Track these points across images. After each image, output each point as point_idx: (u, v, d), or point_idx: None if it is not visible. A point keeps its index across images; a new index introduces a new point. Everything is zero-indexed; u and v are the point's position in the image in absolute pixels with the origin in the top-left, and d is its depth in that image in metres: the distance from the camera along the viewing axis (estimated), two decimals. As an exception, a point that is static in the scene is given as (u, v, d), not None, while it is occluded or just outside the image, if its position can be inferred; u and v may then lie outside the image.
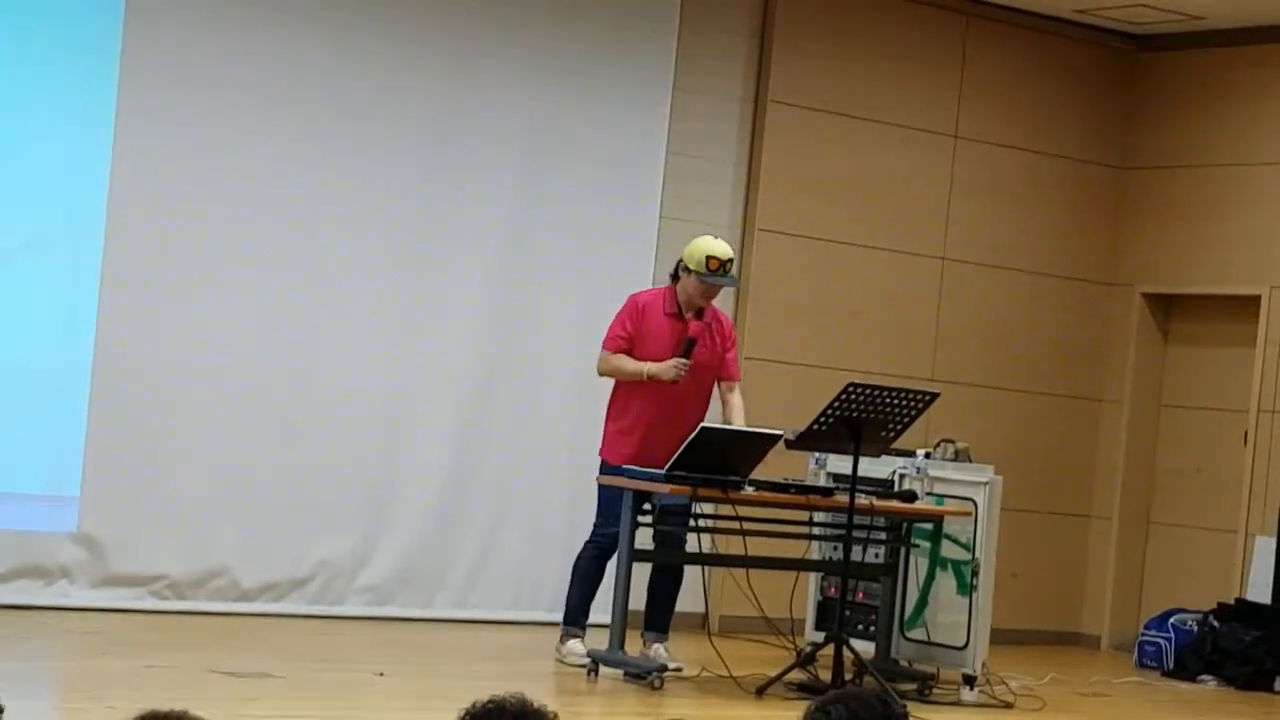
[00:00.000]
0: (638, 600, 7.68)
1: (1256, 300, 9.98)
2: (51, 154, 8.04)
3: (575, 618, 7.66)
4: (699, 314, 7.61)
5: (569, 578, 7.92)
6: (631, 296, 7.69)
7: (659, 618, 7.80)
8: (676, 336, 7.54)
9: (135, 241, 8.18)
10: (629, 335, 7.55)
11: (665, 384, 7.49)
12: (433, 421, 8.88)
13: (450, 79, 8.83)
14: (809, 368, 9.73)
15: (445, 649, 8.29)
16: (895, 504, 7.77)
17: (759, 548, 7.73)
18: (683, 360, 7.47)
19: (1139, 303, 10.51)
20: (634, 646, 7.65)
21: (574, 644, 7.66)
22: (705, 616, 9.60)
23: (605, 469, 7.64)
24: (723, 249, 7.57)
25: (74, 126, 8.05)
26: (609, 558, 7.54)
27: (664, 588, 7.79)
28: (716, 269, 7.50)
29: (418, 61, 8.76)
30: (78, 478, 8.14)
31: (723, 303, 8.25)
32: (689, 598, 9.53)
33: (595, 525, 7.61)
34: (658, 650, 7.71)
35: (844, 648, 7.32)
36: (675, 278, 7.62)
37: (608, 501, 7.55)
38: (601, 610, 7.76)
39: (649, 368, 7.48)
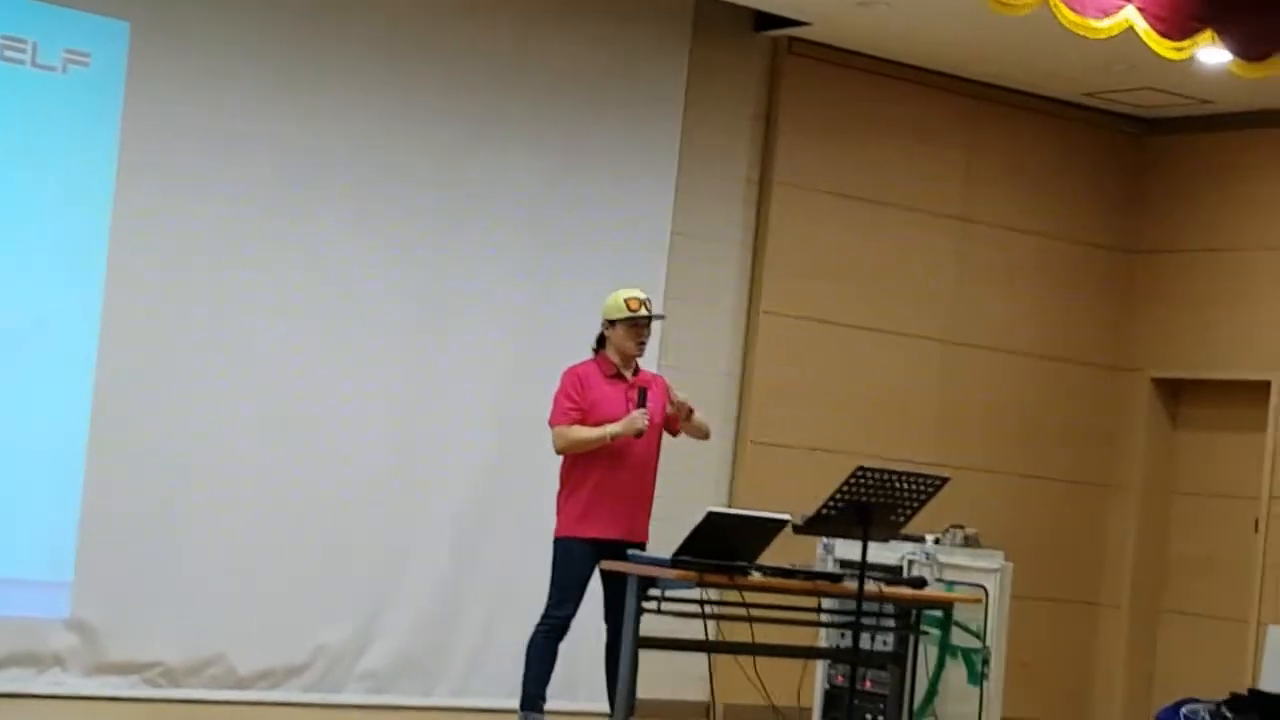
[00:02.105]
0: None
1: (1266, 386, 9.92)
2: (50, 238, 7.93)
3: (533, 702, 7.43)
4: (635, 372, 7.52)
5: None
6: (567, 370, 7.52)
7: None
8: (623, 396, 7.43)
9: (131, 325, 8.07)
10: (578, 405, 7.41)
11: (626, 445, 7.35)
12: (433, 510, 8.73)
13: (458, 160, 8.75)
14: (813, 451, 9.62)
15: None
16: (904, 591, 7.59)
17: (766, 635, 7.56)
18: (642, 410, 7.34)
19: (1148, 388, 10.47)
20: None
21: None
22: (709, 706, 9.41)
23: (561, 545, 7.45)
24: (637, 290, 7.54)
25: (73, 211, 7.97)
26: (561, 639, 7.41)
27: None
28: (638, 308, 7.43)
29: (424, 138, 8.67)
30: (71, 562, 7.98)
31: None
32: (694, 684, 9.38)
33: (548, 605, 7.43)
34: None
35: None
36: (600, 343, 7.52)
37: (563, 582, 7.40)
38: (562, 694, 7.68)
39: (611, 429, 7.33)
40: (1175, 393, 10.50)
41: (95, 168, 8.01)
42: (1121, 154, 10.56)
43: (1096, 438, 10.49)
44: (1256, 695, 9.13)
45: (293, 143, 8.40)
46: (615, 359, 7.46)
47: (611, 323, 7.46)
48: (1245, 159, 10.15)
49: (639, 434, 7.34)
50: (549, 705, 7.47)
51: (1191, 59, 8.56)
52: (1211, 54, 8.33)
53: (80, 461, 7.96)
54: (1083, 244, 10.49)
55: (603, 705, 7.77)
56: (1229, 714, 9.07)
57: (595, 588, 7.46)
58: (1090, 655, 10.43)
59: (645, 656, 7.40)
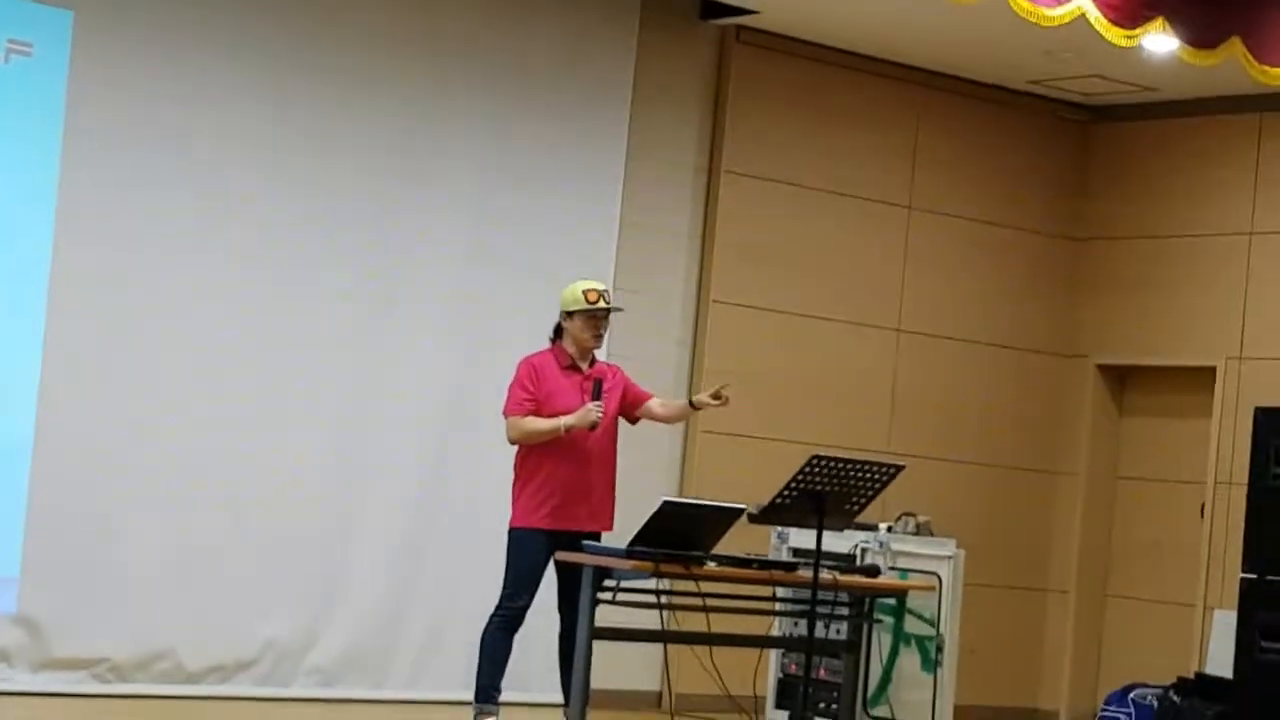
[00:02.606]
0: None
1: (1212, 372, 10.00)
2: (-6, 230, 7.84)
3: (488, 694, 7.39)
4: (591, 363, 7.50)
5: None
6: (523, 360, 7.47)
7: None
8: (578, 388, 7.40)
9: (77, 317, 7.98)
10: (533, 396, 7.36)
11: (581, 436, 7.32)
12: (382, 500, 8.66)
13: (404, 146, 8.69)
14: (763, 440, 9.62)
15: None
16: (859, 579, 7.57)
17: (720, 624, 7.51)
18: (597, 402, 7.31)
19: (1093, 375, 10.54)
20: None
21: None
22: (662, 695, 9.40)
23: (516, 535, 7.40)
24: (596, 282, 7.56)
25: (17, 204, 7.88)
26: (516, 630, 7.38)
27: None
28: (596, 300, 7.41)
29: (370, 125, 8.61)
30: (17, 557, 7.88)
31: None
32: (646, 675, 9.35)
33: (502, 597, 7.39)
34: None
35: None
36: (558, 333, 7.48)
37: (518, 573, 7.36)
38: (515, 686, 7.65)
39: (565, 420, 7.30)
40: (1121, 379, 10.57)
41: (39, 158, 7.90)
42: (1066, 141, 10.62)
43: (1043, 424, 10.55)
44: (1203, 679, 9.19)
45: (236, 132, 8.31)
46: (572, 350, 7.43)
47: (569, 314, 7.42)
48: (1190, 146, 10.22)
49: (593, 426, 7.30)
50: (502, 697, 7.42)
51: (1139, 46, 8.60)
52: (1159, 41, 8.36)
53: (27, 458, 7.87)
54: (1028, 231, 10.55)
55: (556, 697, 7.74)
56: (1176, 698, 9.13)
57: (550, 579, 7.42)
58: (1038, 641, 10.49)
59: (598, 647, 7.35)
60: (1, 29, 7.80)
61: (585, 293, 7.41)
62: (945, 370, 10.23)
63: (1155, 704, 9.24)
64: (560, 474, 7.35)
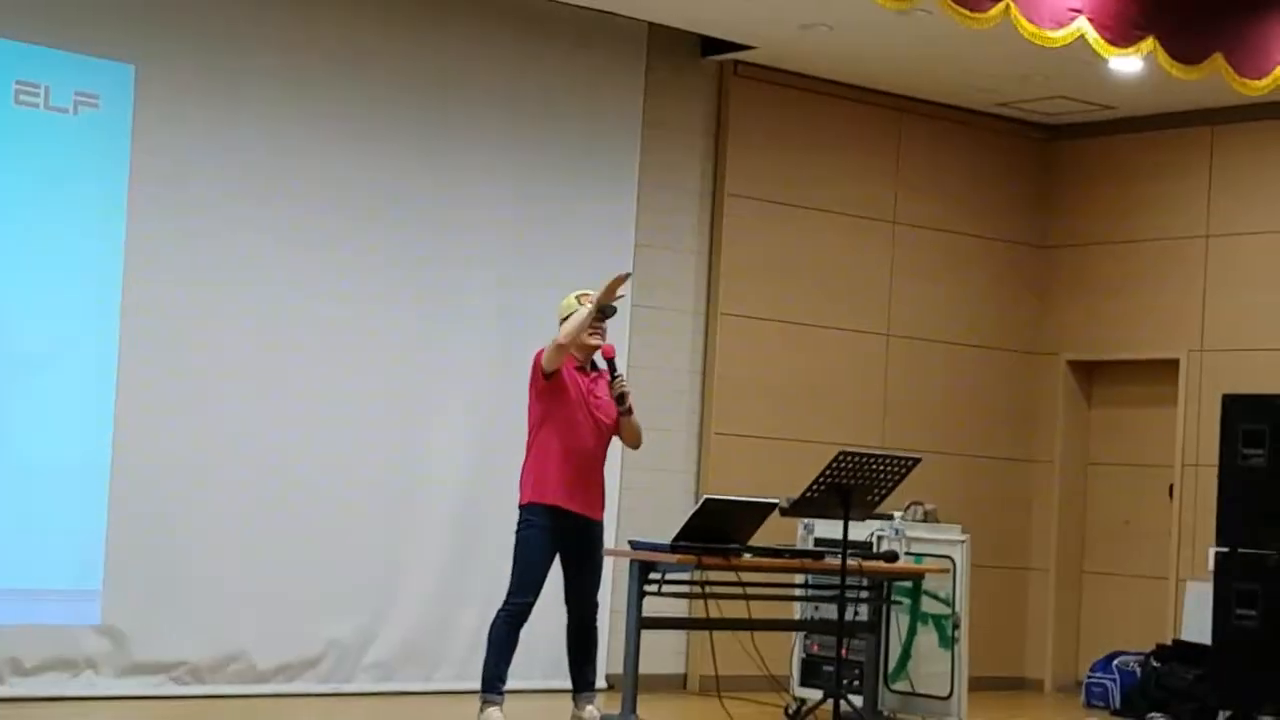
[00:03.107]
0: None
1: (1175, 364, 10.50)
2: (69, 268, 8.24)
3: (493, 685, 7.58)
4: (594, 364, 7.68)
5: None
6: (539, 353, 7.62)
7: (586, 677, 7.80)
8: (587, 385, 7.59)
9: (148, 345, 8.40)
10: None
11: (580, 438, 7.45)
12: (431, 509, 9.13)
13: (439, 181, 9.18)
14: (771, 440, 10.11)
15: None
16: (880, 564, 8.17)
17: (737, 611, 7.87)
18: (618, 276, 7.45)
19: (1064, 370, 11.04)
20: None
21: (492, 711, 7.63)
22: (686, 676, 9.93)
23: (523, 531, 7.50)
24: (587, 288, 7.66)
25: (89, 242, 8.28)
26: (522, 625, 7.58)
27: (585, 648, 7.78)
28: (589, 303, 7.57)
29: (411, 164, 9.10)
30: (100, 571, 8.29)
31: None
32: (671, 659, 9.88)
33: (510, 592, 7.56)
34: (590, 711, 7.77)
35: (842, 702, 7.68)
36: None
37: (524, 569, 7.51)
38: (518, 676, 7.96)
39: (590, 304, 7.42)
40: (1089, 373, 11.06)
41: (108, 201, 8.31)
42: (1030, 158, 11.14)
43: (1019, 417, 11.07)
44: (1181, 645, 9.75)
45: (289, 171, 8.77)
46: (578, 355, 7.62)
47: (567, 320, 7.58)
48: (1143, 159, 10.75)
49: (609, 305, 7.43)
50: (507, 686, 7.63)
51: (1106, 67, 9.15)
52: (1125, 62, 8.90)
53: (105, 480, 8.27)
54: (1001, 240, 11.06)
55: (556, 683, 8.14)
56: (1157, 664, 9.67)
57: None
58: (1020, 615, 10.99)
59: (620, 634, 7.71)
60: (69, 82, 8.19)
61: (579, 298, 7.62)
62: (930, 370, 10.74)
63: (1138, 670, 9.74)
64: (566, 454, 7.45)
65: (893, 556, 8.22)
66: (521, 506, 7.56)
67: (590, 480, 7.59)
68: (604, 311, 7.60)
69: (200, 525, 8.53)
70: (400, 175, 9.10)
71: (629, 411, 7.57)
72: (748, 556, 7.76)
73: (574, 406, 7.53)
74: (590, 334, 7.58)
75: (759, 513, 7.72)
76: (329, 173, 8.91)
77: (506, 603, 7.63)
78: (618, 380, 7.57)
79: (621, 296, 7.71)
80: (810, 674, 8.77)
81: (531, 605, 7.60)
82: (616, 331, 9.44)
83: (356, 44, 8.98)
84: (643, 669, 7.83)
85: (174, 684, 8.46)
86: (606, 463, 7.75)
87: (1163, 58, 8.33)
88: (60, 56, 8.19)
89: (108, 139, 8.33)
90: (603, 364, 7.69)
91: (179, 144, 8.50)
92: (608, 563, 8.71)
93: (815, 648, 8.75)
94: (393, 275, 9.08)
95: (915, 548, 8.38)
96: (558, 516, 7.46)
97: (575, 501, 7.52)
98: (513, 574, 7.62)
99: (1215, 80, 8.63)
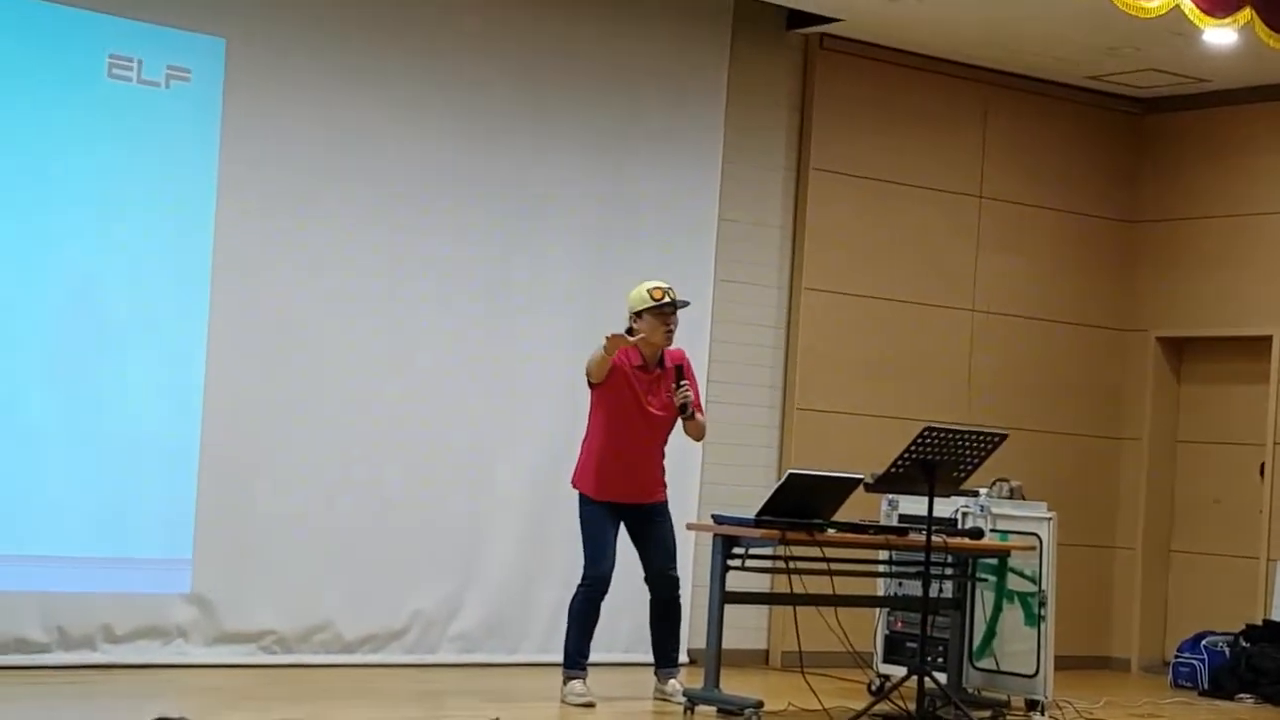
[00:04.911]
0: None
1: (1268, 340, 10.26)
2: (159, 242, 8.21)
3: (575, 660, 7.65)
4: (661, 362, 7.63)
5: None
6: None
7: (668, 652, 7.84)
8: (644, 385, 7.56)
9: (236, 319, 8.38)
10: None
11: (626, 434, 7.46)
12: (514, 478, 9.07)
13: (525, 163, 9.10)
14: (853, 415, 9.98)
15: (534, 694, 8.30)
16: (965, 541, 7.99)
17: (821, 586, 7.77)
18: (621, 335, 7.42)
19: (1154, 346, 10.81)
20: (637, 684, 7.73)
21: (575, 684, 7.67)
22: (768, 652, 9.81)
23: (584, 505, 7.61)
24: (659, 281, 7.62)
25: (178, 217, 8.26)
26: (602, 598, 7.60)
27: (667, 623, 7.82)
28: (662, 297, 7.52)
29: (497, 146, 9.01)
30: (190, 541, 8.30)
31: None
32: (754, 634, 9.76)
33: (585, 566, 7.61)
34: (673, 685, 7.80)
35: (926, 679, 7.51)
36: (630, 334, 7.58)
37: (593, 542, 7.56)
38: (601, 649, 8.00)
39: (600, 351, 7.39)
40: (1179, 350, 10.85)
41: (199, 175, 8.28)
42: (1121, 132, 10.91)
43: (1107, 394, 10.86)
44: (1270, 625, 9.55)
45: (376, 148, 8.70)
46: (645, 351, 7.54)
47: (639, 314, 7.54)
48: (1237, 132, 10.50)
49: (608, 352, 7.37)
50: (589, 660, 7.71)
51: (1199, 40, 8.91)
52: (1220, 34, 8.65)
53: (195, 455, 8.26)
54: (1090, 216, 10.85)
55: (638, 656, 8.09)
56: (1245, 644, 9.48)
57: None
58: (1107, 594, 10.81)
59: (698, 608, 7.59)
60: (161, 56, 8.15)
61: (651, 291, 7.52)
62: (1016, 345, 10.55)
63: (1226, 650, 9.55)
64: (611, 448, 7.53)
65: (978, 533, 8.05)
66: (580, 495, 7.65)
67: (637, 470, 7.57)
68: (674, 305, 7.51)
69: (287, 497, 8.51)
70: (485, 154, 9.01)
71: (691, 416, 7.52)
72: (831, 532, 7.62)
73: (625, 403, 7.49)
74: (662, 331, 7.49)
75: (843, 488, 7.59)
76: (415, 152, 8.83)
77: (582, 579, 7.71)
78: (682, 390, 7.48)
79: (686, 303, 7.65)
80: (894, 650, 8.62)
81: (606, 578, 7.61)
82: (699, 306, 9.39)
83: (449, 23, 8.89)
84: (725, 644, 7.79)
85: (262, 653, 8.45)
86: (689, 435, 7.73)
87: (1260, 29, 8.08)
88: (153, 30, 8.16)
89: (199, 112, 8.30)
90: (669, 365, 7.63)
91: (269, 117, 8.45)
92: (690, 537, 8.68)
93: (899, 624, 8.59)
94: (476, 252, 8.99)
95: (1001, 525, 8.20)
96: (604, 501, 7.52)
97: (615, 493, 7.54)
98: (585, 547, 7.70)
99: (1313, 52, 8.40)
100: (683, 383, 7.56)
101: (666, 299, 7.54)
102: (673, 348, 7.73)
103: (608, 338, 7.43)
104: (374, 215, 8.72)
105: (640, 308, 7.55)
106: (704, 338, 9.45)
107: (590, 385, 7.63)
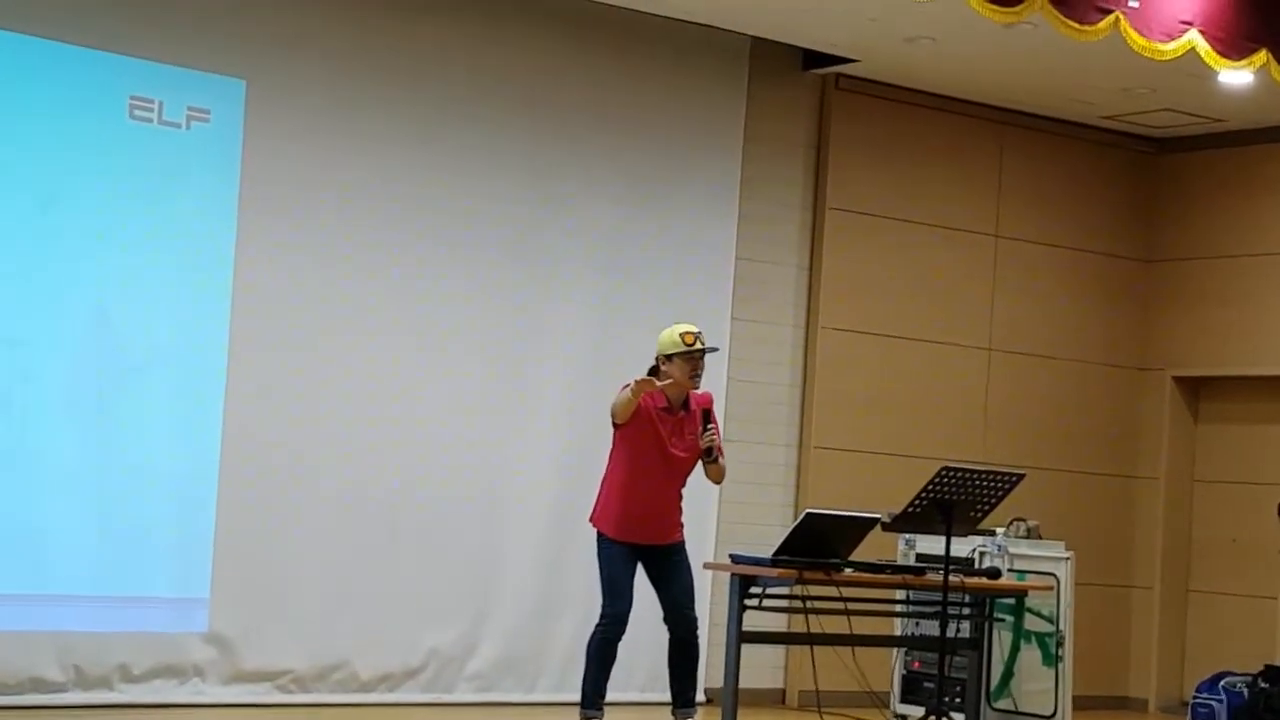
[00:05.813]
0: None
1: (1283, 379, 10.24)
2: (179, 279, 8.23)
3: (592, 700, 7.53)
4: (685, 404, 7.50)
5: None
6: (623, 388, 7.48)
7: (685, 692, 7.68)
8: (668, 428, 7.42)
9: (255, 356, 8.38)
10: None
11: (644, 477, 7.35)
12: (529, 516, 9.05)
13: (541, 199, 9.10)
14: (869, 454, 9.93)
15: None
16: (983, 581, 7.93)
17: (838, 626, 7.61)
18: (650, 380, 7.29)
19: (1169, 385, 10.77)
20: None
21: None
22: (785, 692, 9.75)
23: (602, 545, 7.47)
24: (690, 325, 7.50)
25: (199, 254, 8.27)
26: (619, 638, 7.48)
27: (685, 663, 7.67)
28: (694, 342, 7.40)
29: (512, 185, 9.02)
30: (207, 581, 8.26)
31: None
32: (770, 674, 9.70)
33: (603, 605, 7.47)
34: None
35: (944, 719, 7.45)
36: (655, 374, 7.43)
37: (610, 581, 7.44)
38: (618, 688, 7.85)
39: (629, 390, 7.24)
40: (1195, 389, 10.80)
41: (219, 215, 8.30)
42: (1136, 171, 10.90)
43: (1123, 433, 10.82)
44: (1289, 666, 9.47)
45: (394, 187, 8.72)
46: (672, 393, 7.41)
47: (669, 357, 7.41)
48: (1253, 171, 10.47)
49: (635, 393, 7.22)
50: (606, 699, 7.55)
51: (1214, 80, 8.88)
52: (1233, 75, 8.64)
53: (213, 493, 8.24)
54: (1105, 255, 10.82)
55: (655, 695, 8.02)
56: (1265, 685, 9.37)
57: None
58: (1126, 634, 10.73)
59: (718, 649, 7.52)
60: (182, 97, 8.18)
61: (683, 335, 7.39)
62: (1032, 385, 10.52)
63: (1245, 691, 9.44)
64: (631, 489, 7.36)
65: (995, 573, 7.97)
66: (597, 534, 7.53)
67: (657, 511, 7.46)
68: (704, 351, 7.42)
69: (305, 536, 8.49)
70: (503, 191, 9.01)
71: (714, 460, 7.45)
72: (849, 571, 7.53)
73: (648, 445, 7.38)
74: (690, 375, 7.40)
75: (861, 527, 7.51)
76: (433, 190, 8.84)
77: (600, 618, 7.59)
78: (708, 434, 7.40)
79: (715, 349, 7.60)
80: (911, 690, 8.56)
81: (624, 618, 7.50)
82: (717, 344, 9.31)
83: (463, 63, 8.91)
84: (742, 683, 7.69)
85: (279, 692, 8.42)
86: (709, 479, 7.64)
87: (1275, 70, 8.06)
88: (173, 72, 8.19)
89: (219, 153, 8.33)
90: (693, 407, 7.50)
91: (289, 158, 8.47)
92: (708, 576, 8.62)
93: (916, 664, 8.53)
94: (493, 288, 8.99)
95: (1018, 564, 8.15)
96: (623, 541, 7.42)
97: (632, 534, 7.43)
98: (602, 586, 7.58)
99: (1327, 93, 8.37)
100: (710, 425, 7.53)
101: (698, 344, 7.45)
102: (699, 391, 7.67)
103: (636, 380, 7.38)
104: (393, 254, 8.72)
105: (671, 351, 7.44)
106: (721, 377, 9.41)
107: (614, 425, 7.57)
